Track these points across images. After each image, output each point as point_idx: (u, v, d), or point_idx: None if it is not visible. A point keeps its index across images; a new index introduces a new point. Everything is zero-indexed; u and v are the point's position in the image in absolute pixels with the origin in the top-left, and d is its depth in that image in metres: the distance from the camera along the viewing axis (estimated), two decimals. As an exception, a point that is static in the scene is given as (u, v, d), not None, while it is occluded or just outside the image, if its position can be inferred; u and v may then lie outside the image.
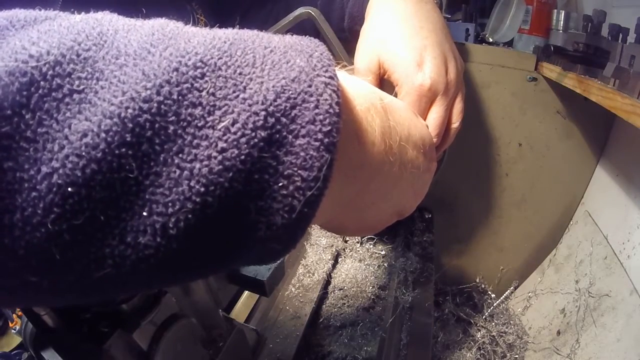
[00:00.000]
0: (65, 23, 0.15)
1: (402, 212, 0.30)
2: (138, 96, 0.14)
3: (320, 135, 0.16)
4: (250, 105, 0.15)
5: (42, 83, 0.13)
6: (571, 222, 0.73)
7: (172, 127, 0.14)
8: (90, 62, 0.14)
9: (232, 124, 0.15)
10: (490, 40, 0.76)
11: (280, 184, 0.16)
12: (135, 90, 0.14)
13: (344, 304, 0.60)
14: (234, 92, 0.16)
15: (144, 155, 0.14)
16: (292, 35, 0.20)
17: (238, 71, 0.16)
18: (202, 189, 0.14)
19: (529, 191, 0.75)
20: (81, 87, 0.14)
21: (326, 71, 0.18)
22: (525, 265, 0.80)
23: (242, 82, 0.16)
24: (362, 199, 0.25)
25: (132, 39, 0.16)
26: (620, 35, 0.53)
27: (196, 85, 0.15)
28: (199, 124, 0.15)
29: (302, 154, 0.16)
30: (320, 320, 0.57)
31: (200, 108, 0.15)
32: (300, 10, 0.49)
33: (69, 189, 0.13)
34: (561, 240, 0.74)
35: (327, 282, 0.62)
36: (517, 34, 0.75)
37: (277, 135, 0.16)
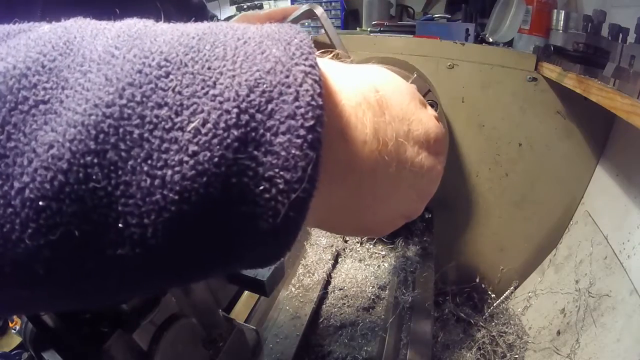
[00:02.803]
0: (34, 35, 0.15)
1: (407, 215, 0.27)
2: (101, 102, 0.14)
3: (302, 132, 0.15)
4: (221, 103, 0.14)
5: (8, 97, 0.13)
6: (571, 222, 0.73)
7: (137, 131, 0.14)
8: (56, 71, 0.14)
9: (203, 125, 0.14)
10: (490, 40, 0.76)
11: (262, 187, 0.15)
12: (98, 96, 0.14)
13: (344, 304, 0.60)
14: (202, 88, 0.15)
15: (110, 164, 0.13)
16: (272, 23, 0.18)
17: (206, 66, 0.15)
18: (177, 197, 0.14)
19: (529, 191, 0.75)
20: (47, 97, 0.14)
21: (306, 59, 0.16)
22: (525, 265, 0.80)
23: (211, 78, 0.15)
24: (355, 202, 0.23)
25: (98, 44, 0.15)
26: (620, 35, 0.53)
27: (160, 84, 0.14)
28: (167, 126, 0.14)
29: (283, 153, 0.15)
30: (320, 320, 0.57)
31: (166, 109, 0.14)
32: (305, 7, 0.49)
33: (41, 203, 0.13)
34: (561, 240, 0.74)
35: (327, 282, 0.62)
36: (517, 34, 0.75)
37: (254, 134, 0.15)
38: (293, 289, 0.59)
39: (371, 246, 0.69)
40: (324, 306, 0.60)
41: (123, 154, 0.14)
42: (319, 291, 0.58)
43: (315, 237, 0.69)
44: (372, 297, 0.61)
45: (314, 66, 0.16)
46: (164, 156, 0.14)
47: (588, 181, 0.71)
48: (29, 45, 0.15)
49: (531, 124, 0.69)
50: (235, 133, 0.14)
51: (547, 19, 0.72)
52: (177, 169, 0.14)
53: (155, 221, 0.14)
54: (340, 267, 0.66)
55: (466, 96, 0.69)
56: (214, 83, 0.15)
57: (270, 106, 0.15)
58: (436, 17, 1.08)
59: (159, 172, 0.14)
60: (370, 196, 0.23)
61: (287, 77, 0.15)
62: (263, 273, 0.34)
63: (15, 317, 1.27)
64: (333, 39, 0.49)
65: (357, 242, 0.70)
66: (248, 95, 0.15)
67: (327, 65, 0.21)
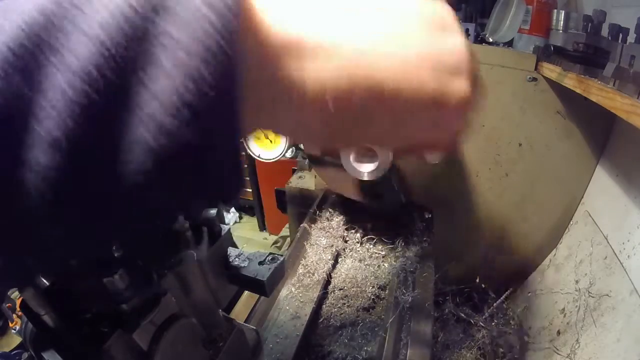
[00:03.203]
0: None
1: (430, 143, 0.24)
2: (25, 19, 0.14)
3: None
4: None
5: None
6: (571, 222, 0.73)
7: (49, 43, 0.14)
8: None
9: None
10: (490, 40, 0.76)
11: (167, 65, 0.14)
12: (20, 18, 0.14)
13: (344, 304, 0.60)
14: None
15: (36, 58, 0.14)
16: None
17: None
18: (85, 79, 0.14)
19: (529, 191, 0.75)
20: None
21: None
22: (525, 265, 0.80)
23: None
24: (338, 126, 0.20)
25: None
26: (620, 35, 0.53)
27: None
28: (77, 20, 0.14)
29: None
30: (320, 320, 0.57)
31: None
32: None
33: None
34: (561, 240, 0.74)
35: (327, 282, 0.62)
36: (517, 34, 0.75)
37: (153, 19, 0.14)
38: (293, 289, 0.59)
39: (371, 246, 0.69)
40: (324, 306, 0.60)
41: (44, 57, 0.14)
42: (319, 291, 0.58)
43: (315, 237, 0.69)
44: (372, 297, 0.61)
45: None
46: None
47: (588, 181, 0.71)
48: None
49: (531, 124, 0.69)
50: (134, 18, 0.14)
51: (547, 19, 0.72)
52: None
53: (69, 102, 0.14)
54: (340, 267, 0.66)
55: (466, 96, 0.69)
56: None
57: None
58: (436, 17, 1.08)
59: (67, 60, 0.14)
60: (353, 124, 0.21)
61: None
62: (263, 273, 0.34)
63: (15, 317, 1.27)
64: None
65: (357, 242, 0.70)
66: None
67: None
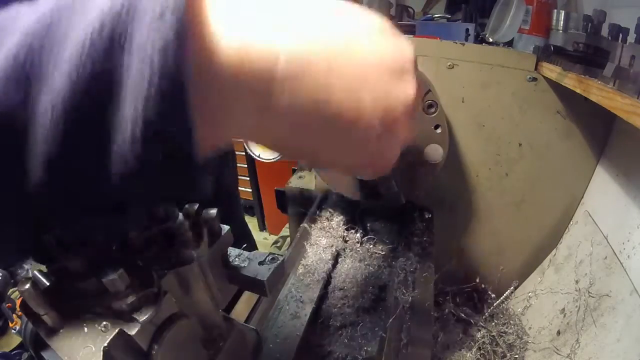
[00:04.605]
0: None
1: (355, 167, 0.26)
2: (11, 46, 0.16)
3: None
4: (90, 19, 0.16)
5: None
6: (571, 222, 0.73)
7: (53, 48, 0.17)
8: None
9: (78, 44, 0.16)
10: (490, 40, 0.76)
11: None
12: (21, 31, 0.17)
13: (344, 304, 0.60)
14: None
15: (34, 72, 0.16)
16: None
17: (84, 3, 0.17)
18: (70, 83, 0.16)
19: (529, 191, 0.75)
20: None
21: None
22: (525, 265, 0.80)
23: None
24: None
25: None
26: (620, 35, 0.53)
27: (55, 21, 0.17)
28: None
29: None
30: (320, 320, 0.57)
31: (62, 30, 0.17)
32: None
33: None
34: (561, 240, 0.74)
35: (327, 282, 0.62)
36: (517, 34, 0.75)
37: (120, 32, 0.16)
38: (293, 289, 0.59)
39: (371, 246, 0.69)
40: (324, 306, 0.60)
41: (41, 67, 0.16)
42: (319, 291, 0.58)
43: (315, 237, 0.69)
44: (372, 297, 0.61)
45: None
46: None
47: (588, 181, 0.71)
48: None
49: (531, 124, 0.69)
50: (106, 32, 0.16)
51: (547, 19, 0.72)
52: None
53: (57, 96, 0.16)
54: (340, 267, 0.66)
55: (466, 96, 0.69)
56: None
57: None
58: (436, 17, 1.08)
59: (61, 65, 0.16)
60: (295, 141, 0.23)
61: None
62: (263, 273, 0.34)
63: (15, 317, 1.27)
64: None
65: (357, 242, 0.70)
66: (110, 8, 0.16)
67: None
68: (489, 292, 0.80)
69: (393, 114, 0.23)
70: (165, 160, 0.18)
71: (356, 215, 0.72)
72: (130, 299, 0.23)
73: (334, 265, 0.65)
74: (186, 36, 0.16)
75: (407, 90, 0.24)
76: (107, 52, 0.16)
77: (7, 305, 1.27)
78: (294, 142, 0.24)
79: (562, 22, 0.69)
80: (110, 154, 0.17)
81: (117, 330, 0.23)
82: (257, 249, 1.23)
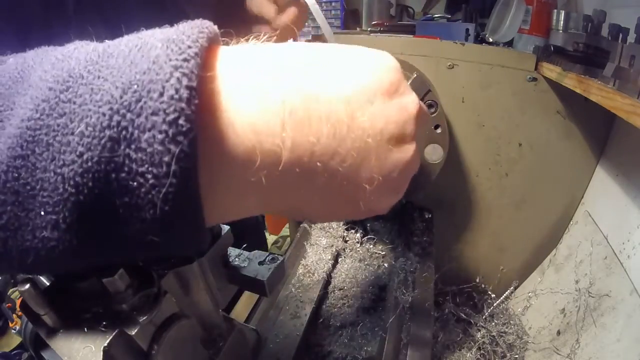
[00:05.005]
0: (3, 68, 0.19)
1: (367, 210, 0.25)
2: (25, 117, 0.17)
3: (164, 127, 0.15)
4: (99, 107, 0.16)
5: None
6: (571, 222, 0.73)
7: (45, 139, 0.16)
8: (8, 96, 0.18)
9: (86, 128, 0.16)
10: (490, 40, 0.76)
11: (136, 183, 0.16)
12: (24, 112, 0.17)
13: (344, 304, 0.60)
14: (90, 95, 0.16)
15: (31, 164, 0.16)
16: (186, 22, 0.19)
17: (97, 75, 0.17)
18: (73, 190, 0.16)
19: (529, 191, 0.75)
20: (1, 118, 0.17)
21: (181, 54, 0.16)
22: (525, 265, 0.80)
23: (97, 87, 0.16)
24: (290, 202, 0.23)
25: (38, 70, 0.18)
26: (620, 35, 0.53)
27: (62, 97, 0.17)
28: (64, 132, 0.16)
29: (149, 149, 0.16)
30: (320, 320, 0.57)
31: (64, 117, 0.16)
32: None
33: None
34: (561, 240, 0.74)
35: (327, 282, 0.62)
36: (517, 34, 0.75)
37: (125, 133, 0.16)
38: (293, 289, 0.59)
39: (371, 246, 0.69)
40: (324, 306, 0.60)
41: (38, 156, 0.17)
42: (319, 291, 0.58)
43: (315, 237, 0.69)
44: (372, 297, 0.61)
45: (188, 59, 0.16)
46: (62, 157, 0.16)
47: (588, 181, 0.71)
48: None
49: (531, 124, 0.69)
50: (109, 133, 0.16)
51: (547, 19, 0.72)
52: (71, 167, 0.16)
53: (62, 209, 0.16)
54: (340, 267, 0.66)
55: (466, 96, 0.69)
56: (99, 90, 0.16)
57: (139, 104, 0.16)
58: (436, 17, 1.08)
59: (60, 170, 0.16)
60: (289, 198, 0.23)
61: (158, 74, 0.16)
62: (263, 273, 0.34)
63: (15, 317, 1.27)
64: (320, 22, 0.48)
65: (357, 242, 0.70)
66: (121, 97, 0.16)
67: (241, 58, 0.20)
68: (489, 292, 0.80)
69: (390, 177, 0.23)
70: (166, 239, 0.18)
71: (356, 215, 0.72)
72: (130, 299, 0.23)
73: (334, 265, 0.65)
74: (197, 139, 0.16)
75: (406, 155, 0.23)
76: (113, 147, 0.16)
77: (7, 305, 1.27)
78: (292, 214, 0.25)
79: (562, 22, 0.69)
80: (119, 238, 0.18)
81: (117, 330, 0.23)
82: (267, 245, 1.24)
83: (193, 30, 0.17)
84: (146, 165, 0.16)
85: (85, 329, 0.23)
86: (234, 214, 0.22)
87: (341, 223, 0.71)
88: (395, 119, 0.22)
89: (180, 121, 0.15)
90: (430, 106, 0.57)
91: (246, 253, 0.36)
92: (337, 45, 0.23)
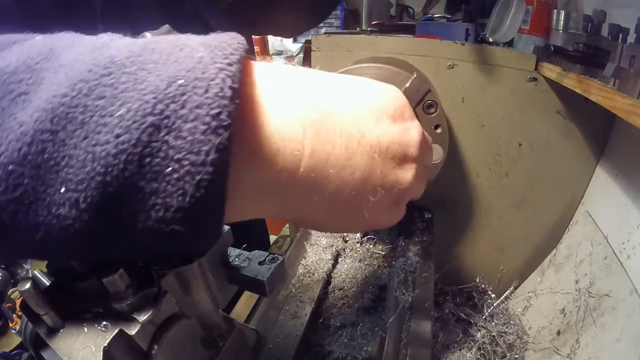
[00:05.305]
0: (30, 43, 0.20)
1: (389, 220, 0.29)
2: (59, 93, 0.17)
3: (207, 119, 0.17)
4: (143, 95, 0.17)
5: (1, 87, 0.18)
6: (571, 222, 0.73)
7: (80, 117, 0.17)
8: (37, 71, 0.18)
9: (127, 112, 0.17)
10: (490, 40, 0.76)
11: (171, 168, 0.17)
12: (58, 88, 0.17)
13: (344, 304, 0.60)
14: (133, 85, 0.17)
15: (60, 140, 0.17)
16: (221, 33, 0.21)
17: (141, 67, 0.18)
18: (102, 170, 0.17)
19: (529, 191, 0.75)
20: (27, 90, 0.18)
21: (225, 59, 0.18)
22: (525, 265, 0.80)
23: (142, 77, 0.18)
24: (307, 211, 0.25)
25: (72, 52, 0.19)
26: (620, 35, 0.53)
27: (103, 81, 0.17)
28: (102, 114, 0.17)
29: (189, 137, 0.17)
30: (320, 320, 0.57)
31: (104, 100, 0.17)
32: None
33: (10, 167, 0.16)
34: (561, 240, 0.74)
35: (327, 282, 0.62)
36: (517, 34, 0.75)
37: (166, 121, 0.17)
38: (293, 289, 0.59)
39: (371, 246, 0.69)
40: (324, 306, 0.60)
41: (70, 134, 0.17)
42: (319, 291, 0.58)
43: (316, 237, 0.69)
44: (372, 297, 0.61)
45: (232, 64, 0.18)
46: (96, 137, 0.17)
47: (588, 181, 0.71)
48: (22, 51, 0.19)
49: (531, 124, 0.69)
50: (151, 119, 0.17)
51: (547, 19, 0.72)
52: (104, 147, 0.17)
53: (85, 188, 0.17)
54: (340, 267, 0.66)
55: (466, 96, 0.69)
56: (143, 80, 0.18)
57: (184, 97, 0.17)
58: (436, 17, 1.08)
59: (92, 149, 0.17)
60: (303, 210, 0.25)
61: (204, 73, 0.18)
62: (263, 273, 0.34)
63: (15, 317, 1.28)
64: None
65: (357, 242, 0.70)
66: (166, 89, 0.17)
67: (272, 72, 0.23)
68: (489, 292, 0.80)
69: (392, 192, 0.26)
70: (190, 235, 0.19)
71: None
72: (130, 299, 0.23)
73: (334, 265, 0.65)
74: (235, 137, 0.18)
75: (407, 175, 0.27)
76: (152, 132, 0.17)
77: (7, 305, 1.27)
78: (302, 221, 0.28)
79: (562, 22, 0.69)
80: (135, 232, 0.18)
81: (117, 330, 0.23)
82: (270, 244, 1.24)
83: (233, 41, 0.19)
84: (184, 152, 0.17)
85: (85, 329, 0.23)
86: (248, 214, 0.23)
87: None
88: (399, 140, 0.26)
89: (222, 116, 0.17)
90: (430, 106, 0.57)
91: (246, 253, 0.36)
92: (350, 76, 0.27)
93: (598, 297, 0.56)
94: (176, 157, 0.17)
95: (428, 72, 0.67)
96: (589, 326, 0.56)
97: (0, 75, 0.18)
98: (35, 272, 0.26)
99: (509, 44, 0.77)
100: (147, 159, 0.17)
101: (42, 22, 0.21)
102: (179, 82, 0.17)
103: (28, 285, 0.22)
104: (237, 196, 0.20)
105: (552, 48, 0.61)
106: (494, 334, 0.69)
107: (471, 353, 0.65)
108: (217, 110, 0.17)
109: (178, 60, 0.18)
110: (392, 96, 0.27)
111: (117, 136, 0.17)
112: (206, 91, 0.17)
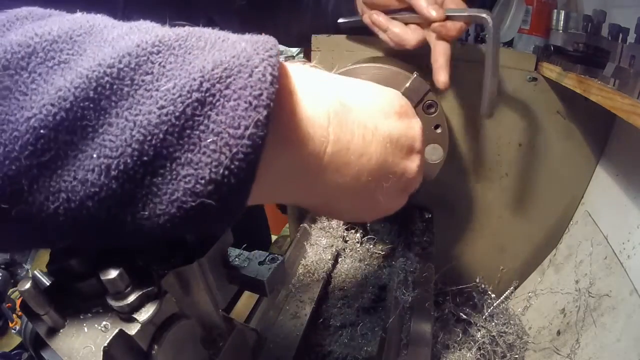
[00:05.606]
0: (70, 17, 0.20)
1: (392, 207, 0.33)
2: (104, 62, 0.17)
3: (250, 98, 0.18)
4: (190, 74, 0.18)
5: (40, 54, 0.18)
6: (571, 222, 0.73)
7: (126, 89, 0.18)
8: (79, 43, 0.19)
9: (173, 87, 0.18)
10: (490, 40, 0.76)
11: (210, 140, 0.18)
12: (103, 59, 0.18)
13: (344, 304, 0.60)
14: (180, 65, 0.19)
15: (101, 109, 0.17)
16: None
17: (188, 51, 0.19)
18: (141, 137, 0.17)
19: (529, 191, 0.75)
20: (67, 58, 0.18)
21: (267, 51, 0.20)
22: (525, 265, 0.80)
23: (189, 59, 0.19)
24: (326, 197, 0.27)
25: (115, 31, 0.20)
26: (620, 35, 0.53)
27: (151, 58, 0.18)
28: (148, 87, 0.18)
29: (231, 113, 0.18)
30: (320, 320, 0.57)
31: (150, 76, 0.18)
32: (477, 11, 0.47)
33: (42, 131, 0.16)
34: (561, 240, 0.74)
35: (327, 282, 0.62)
36: (517, 34, 0.75)
37: (211, 98, 0.18)
38: (293, 289, 0.59)
39: (371, 246, 0.69)
40: (324, 306, 0.60)
41: (112, 103, 0.17)
42: (319, 291, 0.58)
43: (316, 237, 0.69)
44: (372, 297, 0.61)
45: (272, 56, 0.20)
46: (140, 107, 0.17)
47: (588, 181, 0.71)
48: (63, 22, 0.19)
49: (531, 124, 0.69)
50: (197, 95, 0.18)
51: (547, 19, 0.72)
52: (146, 116, 0.17)
53: (120, 155, 0.17)
54: (340, 267, 0.66)
55: (466, 96, 0.69)
56: (190, 62, 0.19)
57: (229, 80, 0.19)
58: (436, 17, 1.07)
59: (133, 118, 0.17)
60: (329, 194, 0.27)
61: (248, 60, 0.19)
62: (263, 273, 0.34)
63: (15, 317, 1.28)
64: (492, 52, 0.47)
65: (357, 242, 0.70)
66: (212, 70, 0.18)
67: (301, 70, 0.25)
68: (489, 292, 0.80)
69: (402, 179, 0.30)
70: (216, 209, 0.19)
71: (356, 215, 0.72)
72: (130, 299, 0.23)
73: (334, 265, 0.65)
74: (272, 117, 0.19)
75: (414, 164, 0.31)
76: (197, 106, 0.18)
77: (7, 305, 1.27)
78: (322, 209, 0.31)
79: (562, 22, 0.69)
80: (160, 204, 0.18)
81: (117, 330, 0.23)
82: (270, 243, 1.25)
83: (270, 39, 0.21)
84: (224, 126, 0.18)
85: (85, 329, 0.23)
86: (273, 197, 0.26)
87: (341, 223, 0.71)
88: (405, 133, 0.30)
89: (263, 97, 0.18)
90: (430, 106, 0.57)
91: (246, 253, 0.36)
92: (360, 80, 0.30)
93: (598, 297, 0.56)
94: (216, 129, 0.18)
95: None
96: (589, 326, 0.56)
97: (40, 41, 0.18)
98: (35, 272, 0.26)
99: (509, 44, 0.77)
100: (187, 131, 0.18)
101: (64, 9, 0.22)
102: (225, 66, 0.19)
103: (28, 285, 0.22)
104: (265, 180, 0.21)
105: (552, 48, 0.61)
106: (494, 334, 0.69)
107: (471, 353, 0.65)
108: (259, 92, 0.18)
109: (222, 49, 0.20)
110: (396, 97, 0.31)
111: (161, 107, 0.17)
112: (250, 75, 0.18)
